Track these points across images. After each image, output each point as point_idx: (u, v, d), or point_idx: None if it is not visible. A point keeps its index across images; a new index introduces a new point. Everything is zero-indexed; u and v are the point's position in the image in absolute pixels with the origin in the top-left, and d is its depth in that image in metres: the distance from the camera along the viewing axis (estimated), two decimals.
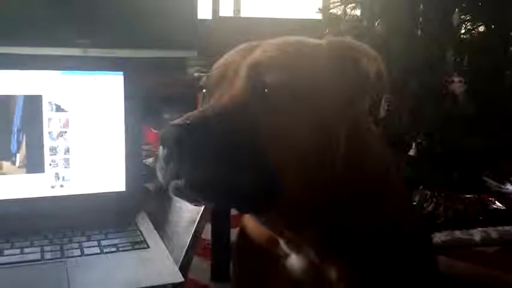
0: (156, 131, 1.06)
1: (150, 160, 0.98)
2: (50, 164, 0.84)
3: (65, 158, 0.85)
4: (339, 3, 2.22)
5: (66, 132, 0.84)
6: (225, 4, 3.16)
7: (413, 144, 1.89)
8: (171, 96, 2.42)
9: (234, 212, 1.19)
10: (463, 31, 2.09)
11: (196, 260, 1.49)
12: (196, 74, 2.32)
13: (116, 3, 2.27)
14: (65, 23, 2.31)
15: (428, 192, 1.93)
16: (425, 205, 1.90)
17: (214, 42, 2.04)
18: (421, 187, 1.95)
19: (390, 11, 2.01)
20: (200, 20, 2.45)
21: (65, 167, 0.84)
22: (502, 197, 2.09)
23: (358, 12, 2.20)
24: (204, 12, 2.78)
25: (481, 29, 2.08)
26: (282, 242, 0.68)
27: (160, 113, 2.46)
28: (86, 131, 0.86)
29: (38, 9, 2.18)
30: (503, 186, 2.15)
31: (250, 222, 0.73)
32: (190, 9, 2.30)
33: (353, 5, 2.15)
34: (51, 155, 0.84)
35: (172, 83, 2.26)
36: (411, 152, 1.89)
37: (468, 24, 2.06)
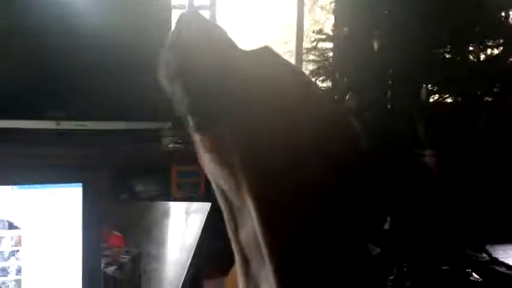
0: (118, 234, 1.02)
1: (111, 269, 0.94)
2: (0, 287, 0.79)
3: (16, 279, 0.80)
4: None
5: (18, 251, 0.80)
6: None
7: (388, 218, 1.88)
8: (144, 168, 2.40)
9: None
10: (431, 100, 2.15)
11: None
12: (170, 146, 2.30)
13: (89, 75, 2.26)
14: (37, 95, 2.28)
15: (406, 267, 1.90)
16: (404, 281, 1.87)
17: None
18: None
19: (360, 85, 2.05)
20: None
21: None
22: (479, 267, 2.07)
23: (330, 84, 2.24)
24: None
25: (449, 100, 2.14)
26: None
27: (133, 187, 2.43)
28: (40, 248, 0.82)
29: (7, 80, 2.15)
30: (479, 255, 2.13)
31: None
32: None
33: (323, 77, 2.20)
34: (1, 276, 0.79)
35: (146, 155, 2.24)
36: (386, 226, 1.88)
37: (436, 96, 2.11)
